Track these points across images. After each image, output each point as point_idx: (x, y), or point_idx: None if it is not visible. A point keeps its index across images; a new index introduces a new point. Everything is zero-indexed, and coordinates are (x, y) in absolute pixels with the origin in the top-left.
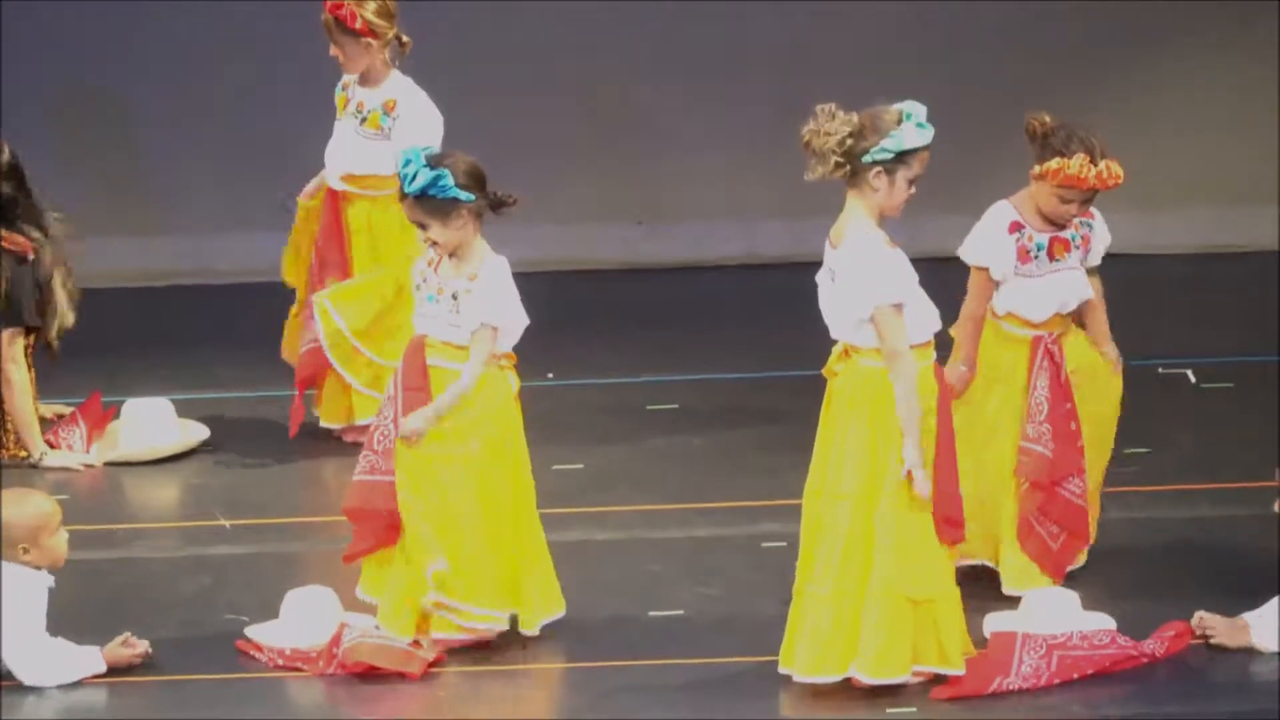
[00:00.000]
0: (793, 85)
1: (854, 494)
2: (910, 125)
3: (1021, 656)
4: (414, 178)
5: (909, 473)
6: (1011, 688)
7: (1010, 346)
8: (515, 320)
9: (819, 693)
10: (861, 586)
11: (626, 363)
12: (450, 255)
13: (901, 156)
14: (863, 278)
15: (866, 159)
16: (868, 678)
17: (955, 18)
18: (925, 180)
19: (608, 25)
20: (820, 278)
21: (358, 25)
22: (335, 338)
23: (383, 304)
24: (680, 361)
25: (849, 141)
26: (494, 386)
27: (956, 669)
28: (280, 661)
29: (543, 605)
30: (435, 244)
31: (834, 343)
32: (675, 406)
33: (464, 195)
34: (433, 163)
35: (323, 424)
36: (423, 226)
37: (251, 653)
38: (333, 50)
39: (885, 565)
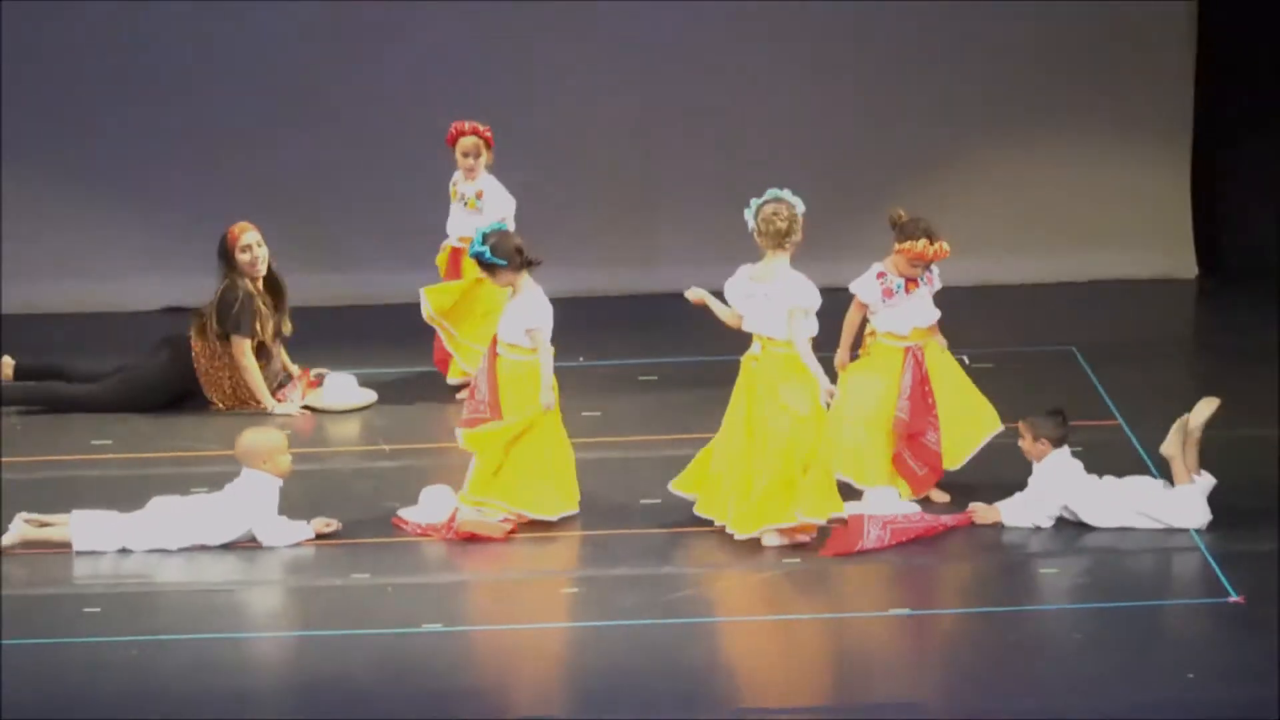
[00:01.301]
0: (741, 166)
1: (792, 423)
2: (770, 196)
3: (868, 529)
4: (474, 250)
5: (829, 395)
6: (866, 548)
7: (891, 354)
8: (542, 323)
9: (742, 545)
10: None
11: (627, 351)
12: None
13: (762, 205)
14: (797, 295)
15: (751, 227)
16: (808, 517)
17: (860, 131)
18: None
19: (614, 129)
20: (743, 298)
21: (491, 143)
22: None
23: (463, 294)
24: (661, 349)
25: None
26: (529, 373)
27: (839, 510)
28: (418, 531)
29: (566, 502)
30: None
31: (748, 343)
32: (656, 378)
33: (498, 261)
34: (485, 239)
35: (450, 381)
36: (490, 276)
37: (401, 526)
38: (467, 162)
39: (803, 454)
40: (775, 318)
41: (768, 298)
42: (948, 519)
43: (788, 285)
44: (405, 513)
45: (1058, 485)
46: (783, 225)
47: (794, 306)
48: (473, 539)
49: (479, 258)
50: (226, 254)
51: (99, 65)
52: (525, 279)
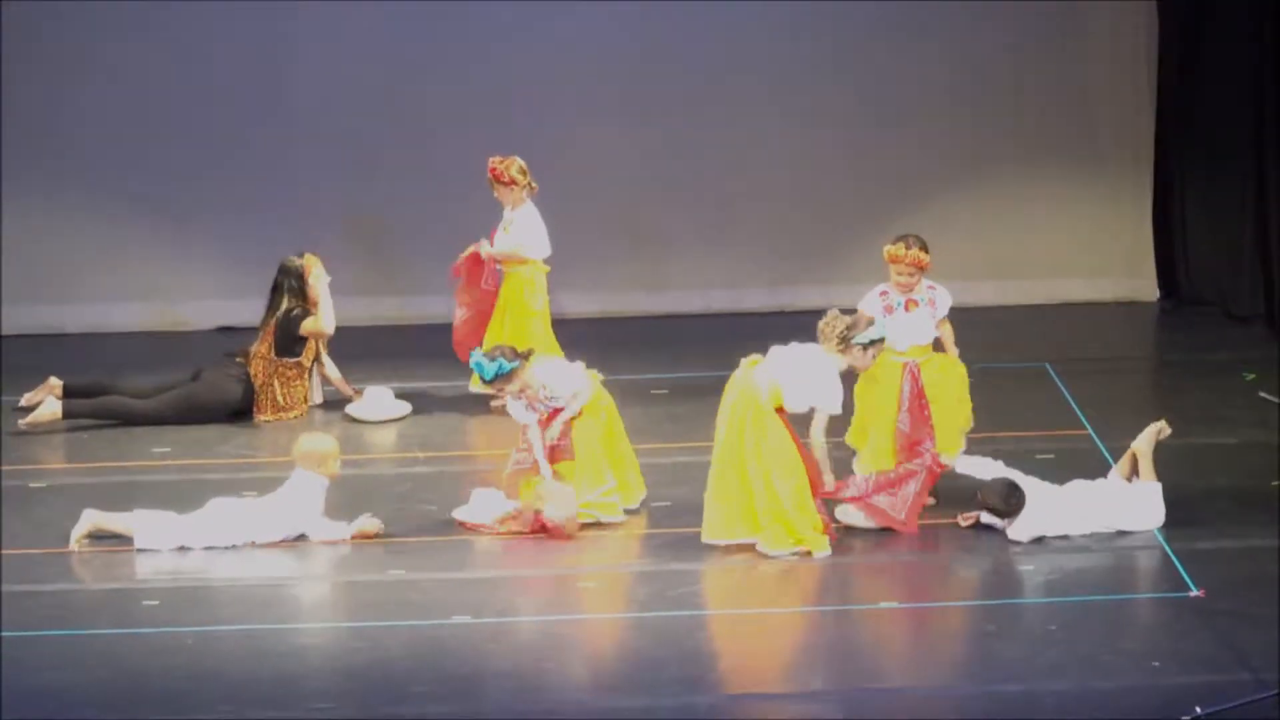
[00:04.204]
0: (740, 203)
1: (770, 453)
2: (877, 328)
3: (850, 482)
4: (485, 372)
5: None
6: (852, 496)
7: (890, 368)
8: (569, 388)
9: (734, 547)
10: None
11: (642, 367)
12: (519, 391)
13: (873, 343)
14: (822, 396)
15: (855, 341)
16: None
17: (865, 180)
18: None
19: (628, 170)
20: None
21: (506, 180)
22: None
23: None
24: (669, 367)
25: (846, 332)
26: (596, 392)
27: (823, 549)
28: (490, 528)
29: (636, 491)
30: (511, 393)
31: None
32: (666, 391)
33: (515, 365)
34: (491, 356)
35: (473, 389)
36: (500, 389)
37: (473, 527)
38: (494, 192)
39: (781, 482)
40: (782, 374)
41: (791, 367)
42: (915, 466)
43: (816, 384)
44: (460, 513)
45: (1031, 531)
46: (832, 330)
47: (819, 409)
48: (544, 532)
49: (498, 377)
50: (299, 277)
51: (163, 93)
52: (533, 373)
